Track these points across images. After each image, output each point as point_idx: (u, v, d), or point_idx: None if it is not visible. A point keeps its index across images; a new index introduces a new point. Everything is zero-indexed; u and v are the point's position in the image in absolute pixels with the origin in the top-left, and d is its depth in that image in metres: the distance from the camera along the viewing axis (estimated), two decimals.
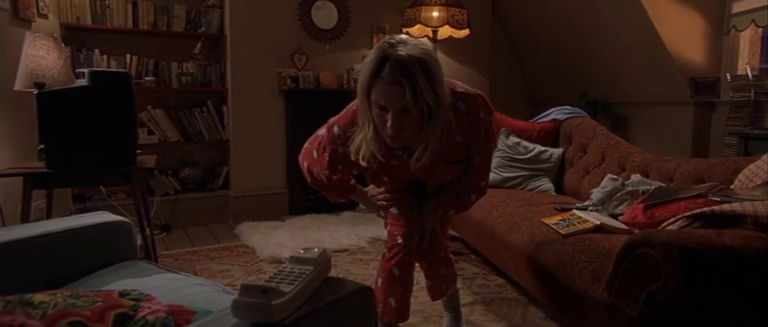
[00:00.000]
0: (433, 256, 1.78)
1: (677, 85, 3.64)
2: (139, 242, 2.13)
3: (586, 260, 1.62)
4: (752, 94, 3.15)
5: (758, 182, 1.70)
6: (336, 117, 1.61)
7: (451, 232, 2.64)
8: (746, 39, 3.49)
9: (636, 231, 1.75)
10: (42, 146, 2.12)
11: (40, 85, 2.36)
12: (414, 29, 4.09)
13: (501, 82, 5.03)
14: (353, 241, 3.20)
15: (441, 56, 4.19)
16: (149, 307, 0.89)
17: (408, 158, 1.54)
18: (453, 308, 1.96)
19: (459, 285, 2.10)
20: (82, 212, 1.63)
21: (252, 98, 3.82)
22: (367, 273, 2.68)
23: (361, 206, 1.89)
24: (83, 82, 2.12)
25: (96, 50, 3.45)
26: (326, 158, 1.60)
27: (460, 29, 4.13)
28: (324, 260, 0.93)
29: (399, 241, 1.64)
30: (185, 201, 3.76)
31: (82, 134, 2.11)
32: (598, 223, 1.86)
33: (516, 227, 2.08)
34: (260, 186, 3.90)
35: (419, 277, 1.85)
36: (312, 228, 3.51)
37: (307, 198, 3.96)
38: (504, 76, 5.14)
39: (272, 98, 3.89)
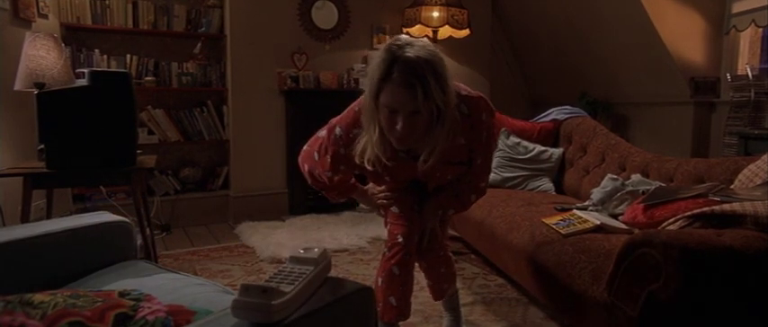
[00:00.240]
0: (432, 255, 1.78)
1: (677, 85, 3.64)
2: (139, 242, 2.13)
3: (586, 260, 1.62)
4: (752, 94, 3.15)
5: (758, 182, 1.70)
6: (338, 118, 1.60)
7: (451, 232, 2.64)
8: (746, 39, 3.49)
9: (636, 231, 1.75)
10: (42, 146, 2.12)
11: (40, 85, 2.36)
12: (414, 29, 4.09)
13: (501, 82, 5.03)
14: (353, 241, 3.20)
15: None
16: (149, 307, 0.89)
17: (410, 159, 1.54)
18: (453, 308, 1.96)
19: (459, 285, 2.10)
20: (82, 212, 1.63)
21: (252, 98, 3.82)
22: (367, 273, 2.68)
23: (361, 205, 1.90)
24: (83, 82, 2.12)
25: (96, 50, 3.45)
26: (328, 160, 1.60)
27: (460, 29, 4.13)
28: (324, 260, 0.93)
29: (400, 240, 1.64)
30: (185, 201, 3.76)
31: (82, 134, 2.11)
32: (598, 223, 1.86)
33: (516, 227, 2.08)
34: (260, 186, 3.90)
35: (419, 276, 1.85)
36: (312, 228, 3.51)
37: (307, 198, 3.96)
38: (504, 76, 5.14)
39: (272, 98, 3.89)
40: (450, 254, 1.91)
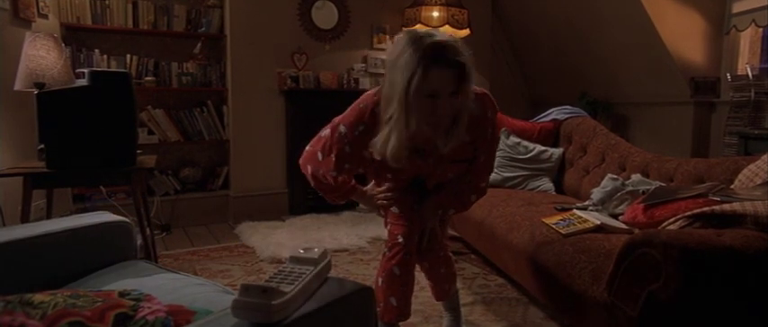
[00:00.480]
0: (432, 255, 1.78)
1: (677, 85, 3.64)
2: (139, 242, 2.13)
3: (586, 260, 1.62)
4: (752, 94, 3.14)
5: (758, 182, 1.70)
6: (341, 116, 1.59)
7: (451, 232, 2.64)
8: (746, 39, 3.49)
9: (636, 231, 1.75)
10: (42, 146, 2.11)
11: (40, 85, 2.36)
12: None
13: (501, 82, 5.02)
14: (353, 241, 3.20)
15: None
16: (149, 307, 0.89)
17: (417, 157, 1.55)
18: (453, 308, 1.96)
19: (459, 285, 2.10)
20: (82, 212, 1.63)
21: (252, 98, 3.82)
22: (367, 273, 2.68)
23: (361, 205, 1.89)
24: (83, 82, 2.12)
25: (96, 50, 3.45)
26: (333, 159, 1.58)
27: (460, 29, 4.13)
28: (324, 260, 0.93)
29: (400, 240, 1.64)
30: (185, 201, 3.76)
31: (82, 134, 2.11)
32: (598, 223, 1.86)
33: (516, 227, 2.08)
34: (260, 186, 3.90)
35: (420, 276, 1.85)
36: (312, 228, 3.51)
37: (307, 198, 3.96)
38: (504, 76, 5.14)
39: (272, 98, 3.89)
40: (451, 254, 1.91)
